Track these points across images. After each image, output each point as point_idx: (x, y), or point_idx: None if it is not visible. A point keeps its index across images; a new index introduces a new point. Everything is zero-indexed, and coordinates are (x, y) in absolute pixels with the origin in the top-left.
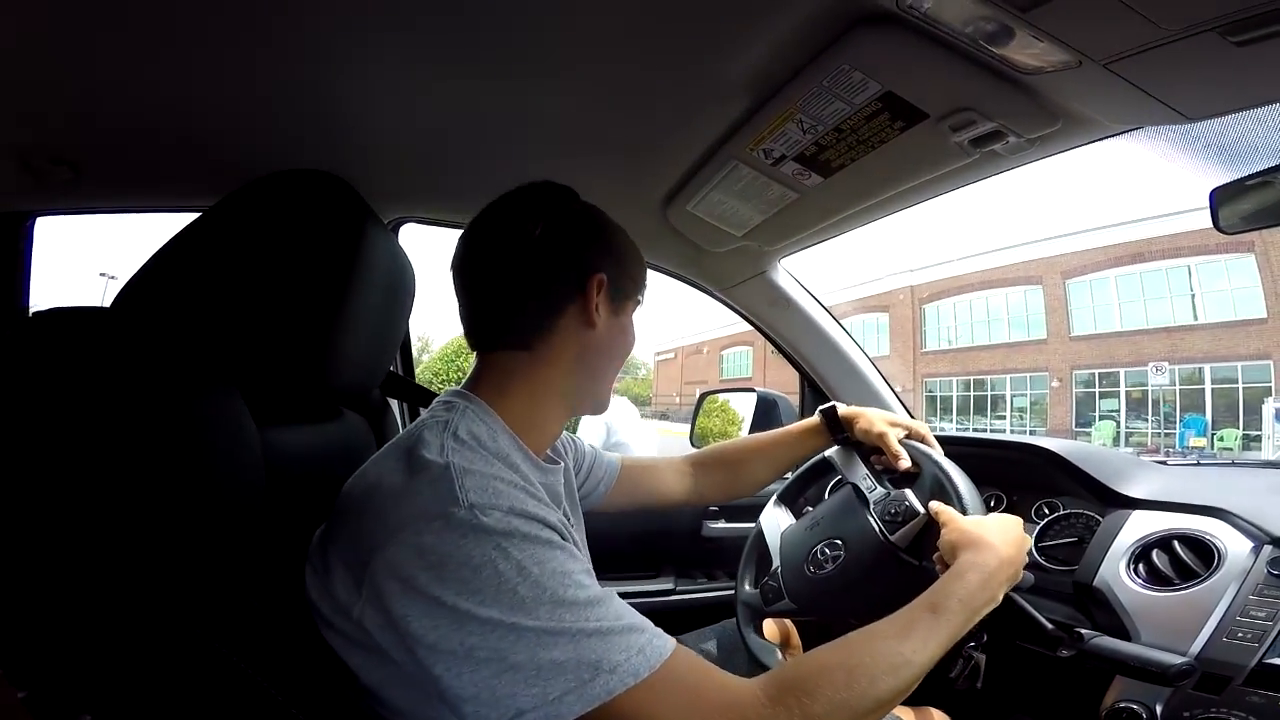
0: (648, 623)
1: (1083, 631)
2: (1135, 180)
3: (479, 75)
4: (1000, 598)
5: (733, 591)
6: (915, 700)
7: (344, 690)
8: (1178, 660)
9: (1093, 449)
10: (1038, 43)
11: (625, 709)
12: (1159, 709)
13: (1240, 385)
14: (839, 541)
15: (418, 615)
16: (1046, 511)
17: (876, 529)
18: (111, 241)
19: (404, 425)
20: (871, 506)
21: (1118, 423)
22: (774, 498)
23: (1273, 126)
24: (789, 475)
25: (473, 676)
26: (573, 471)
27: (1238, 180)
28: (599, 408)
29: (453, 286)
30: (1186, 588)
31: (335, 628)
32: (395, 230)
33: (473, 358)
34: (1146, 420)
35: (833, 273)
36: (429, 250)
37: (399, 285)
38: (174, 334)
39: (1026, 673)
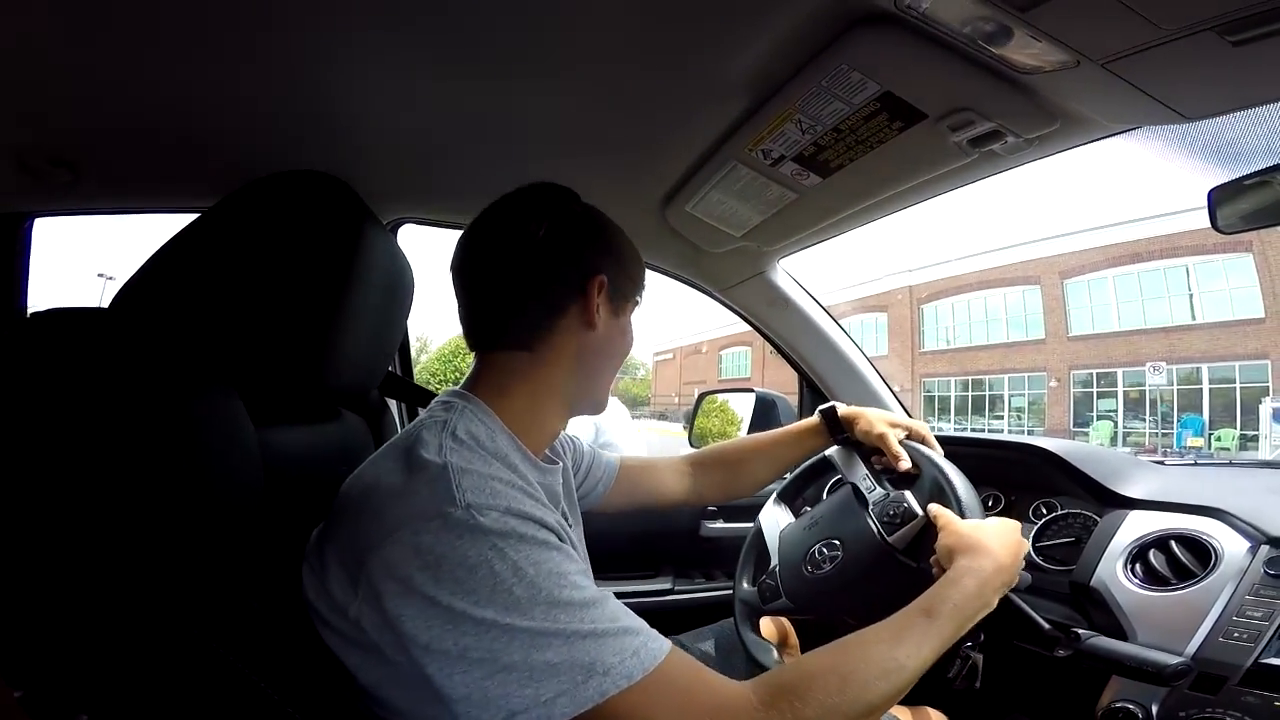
0: (643, 624)
1: (1079, 631)
2: (1133, 180)
3: (478, 75)
4: (995, 603)
5: (731, 591)
6: (913, 700)
7: (341, 690)
8: (1174, 660)
9: (1090, 449)
10: (1036, 42)
11: (618, 711)
12: (1155, 709)
13: (1238, 385)
14: (837, 541)
15: (412, 615)
16: (1044, 511)
17: (874, 530)
18: (109, 242)
19: (403, 425)
20: (870, 507)
21: (1115, 423)
22: (773, 496)
23: (1271, 126)
24: (788, 475)
25: (465, 677)
26: (571, 471)
27: (1236, 180)
28: (597, 407)
29: (452, 287)
30: (1183, 588)
31: (332, 627)
32: (394, 231)
33: (471, 358)
34: (1144, 420)
35: (831, 273)
36: (428, 251)
37: (398, 286)
38: (172, 335)
39: (1023, 672)
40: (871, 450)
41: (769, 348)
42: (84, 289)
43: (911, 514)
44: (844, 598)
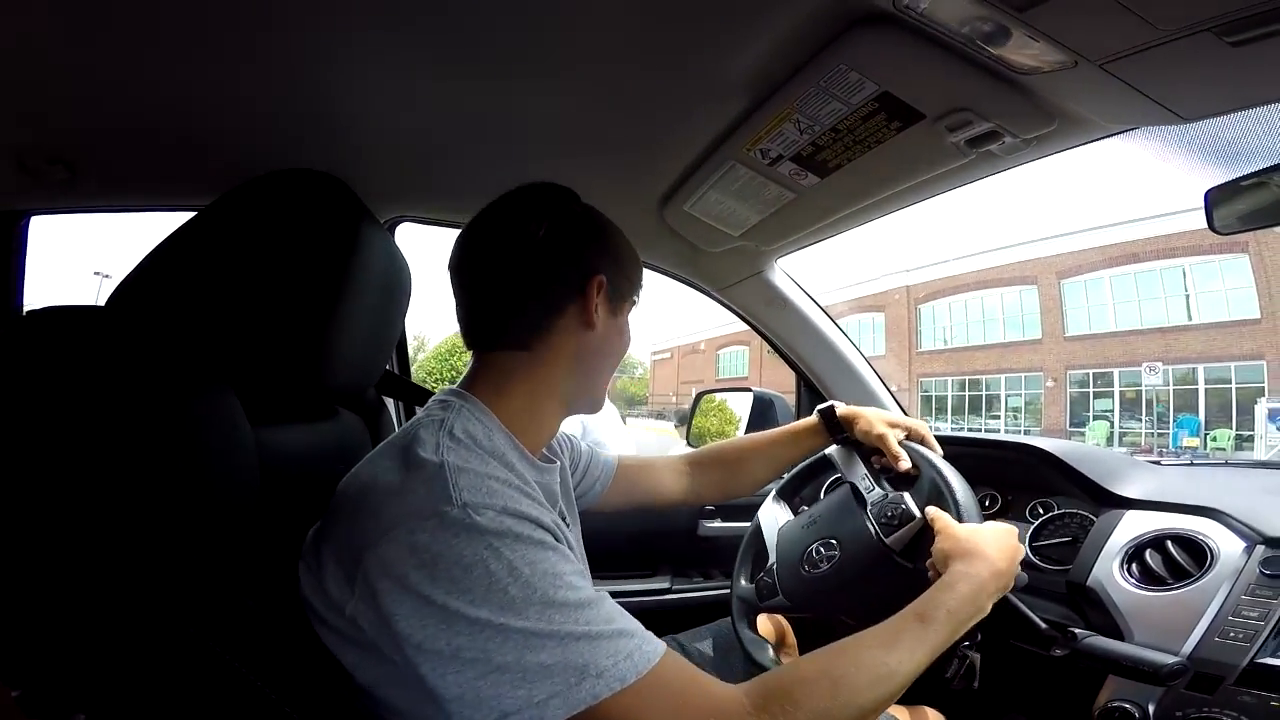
0: (638, 626)
1: (1076, 631)
2: (1131, 180)
3: (478, 75)
4: (989, 608)
5: (728, 591)
6: (911, 699)
7: (339, 689)
8: (1170, 660)
9: (1087, 449)
10: (1034, 43)
11: (611, 713)
12: (1152, 708)
13: (1233, 385)
14: (834, 541)
15: (406, 614)
16: (1041, 511)
17: (872, 531)
18: (106, 240)
19: (400, 424)
20: (869, 508)
21: (1111, 423)
22: (773, 493)
23: (1268, 127)
24: (786, 474)
25: (457, 677)
26: (569, 470)
27: (1233, 181)
28: (595, 406)
29: (450, 286)
30: (1179, 587)
31: (329, 625)
32: (392, 230)
33: (467, 356)
34: (1140, 420)
35: (829, 273)
36: (426, 249)
37: (395, 284)
38: (168, 333)
39: (1021, 672)
40: (871, 450)
41: (766, 347)
42: (80, 287)
43: (909, 516)
44: (840, 597)
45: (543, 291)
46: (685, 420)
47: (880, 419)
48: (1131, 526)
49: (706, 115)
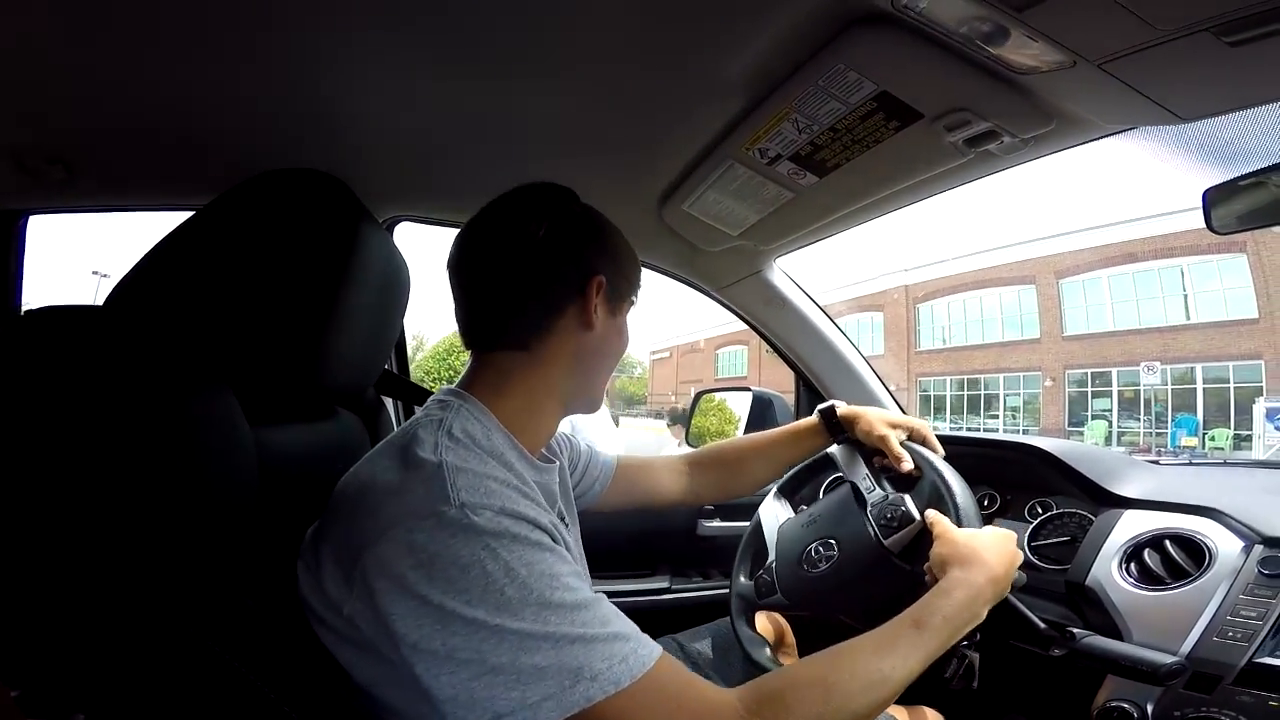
0: (634, 629)
1: (1075, 631)
2: (1129, 180)
3: (477, 75)
4: (984, 615)
5: (727, 590)
6: (910, 699)
7: (337, 688)
8: (1169, 659)
9: (1086, 448)
10: (1032, 43)
11: (605, 716)
12: (1150, 708)
13: (1231, 385)
14: (833, 541)
15: (402, 613)
16: (1040, 511)
17: (871, 532)
18: (104, 239)
19: (399, 424)
20: (869, 509)
21: (1110, 422)
22: (774, 490)
23: (1266, 127)
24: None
25: (451, 678)
26: (568, 470)
27: (1231, 180)
28: (593, 406)
29: (449, 285)
30: (1178, 587)
31: (328, 625)
32: (390, 229)
33: (465, 356)
34: (1138, 420)
35: (828, 272)
36: (424, 248)
37: (394, 284)
38: (167, 333)
39: (1019, 672)
40: (873, 450)
41: (765, 346)
42: (78, 286)
43: (909, 518)
44: (838, 597)
45: (543, 292)
46: (676, 419)
47: (881, 419)
48: (1130, 526)
49: (705, 115)
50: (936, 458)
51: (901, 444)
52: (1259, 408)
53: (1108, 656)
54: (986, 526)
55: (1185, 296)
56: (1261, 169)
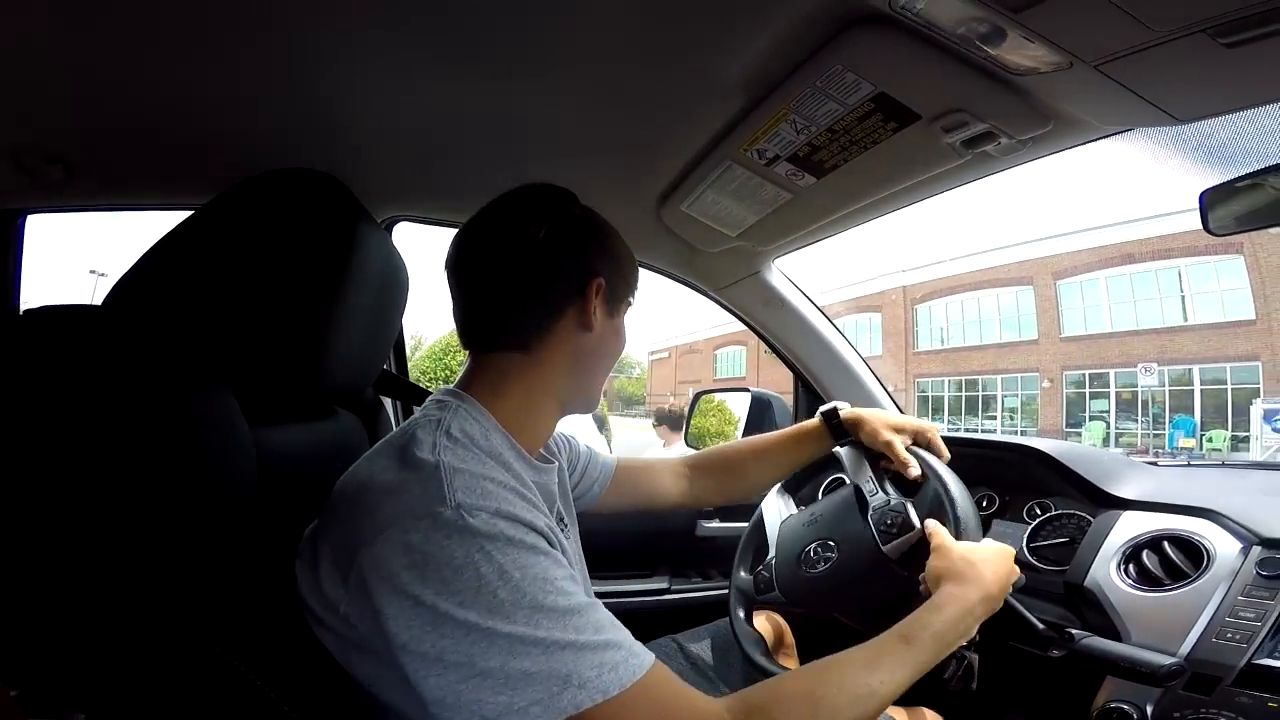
0: (626, 637)
1: (1073, 632)
2: (1126, 182)
3: (477, 75)
4: (975, 631)
5: (727, 590)
6: (909, 700)
7: (336, 688)
8: (1167, 661)
9: (1084, 450)
10: (1029, 44)
11: None
12: (1149, 709)
13: (1229, 386)
14: (832, 543)
15: (395, 613)
16: (1038, 512)
17: (871, 537)
18: (102, 239)
19: (397, 423)
20: (870, 513)
21: (1108, 423)
22: (777, 486)
23: (1262, 128)
24: None
25: (439, 680)
26: (567, 471)
27: (1227, 182)
28: (590, 406)
29: (448, 286)
30: (1176, 588)
31: (325, 624)
32: (389, 229)
33: (461, 355)
34: (1136, 421)
35: (826, 273)
36: (423, 247)
37: (392, 284)
38: (166, 332)
39: (1018, 673)
40: (878, 454)
41: (764, 347)
42: (76, 286)
43: (909, 525)
44: (835, 597)
45: (543, 293)
46: (662, 418)
47: (885, 424)
48: (1128, 527)
49: (704, 115)
50: (941, 465)
51: (907, 449)
52: (1256, 409)
53: (1107, 657)
54: (985, 539)
55: (1182, 298)
56: (1258, 170)
